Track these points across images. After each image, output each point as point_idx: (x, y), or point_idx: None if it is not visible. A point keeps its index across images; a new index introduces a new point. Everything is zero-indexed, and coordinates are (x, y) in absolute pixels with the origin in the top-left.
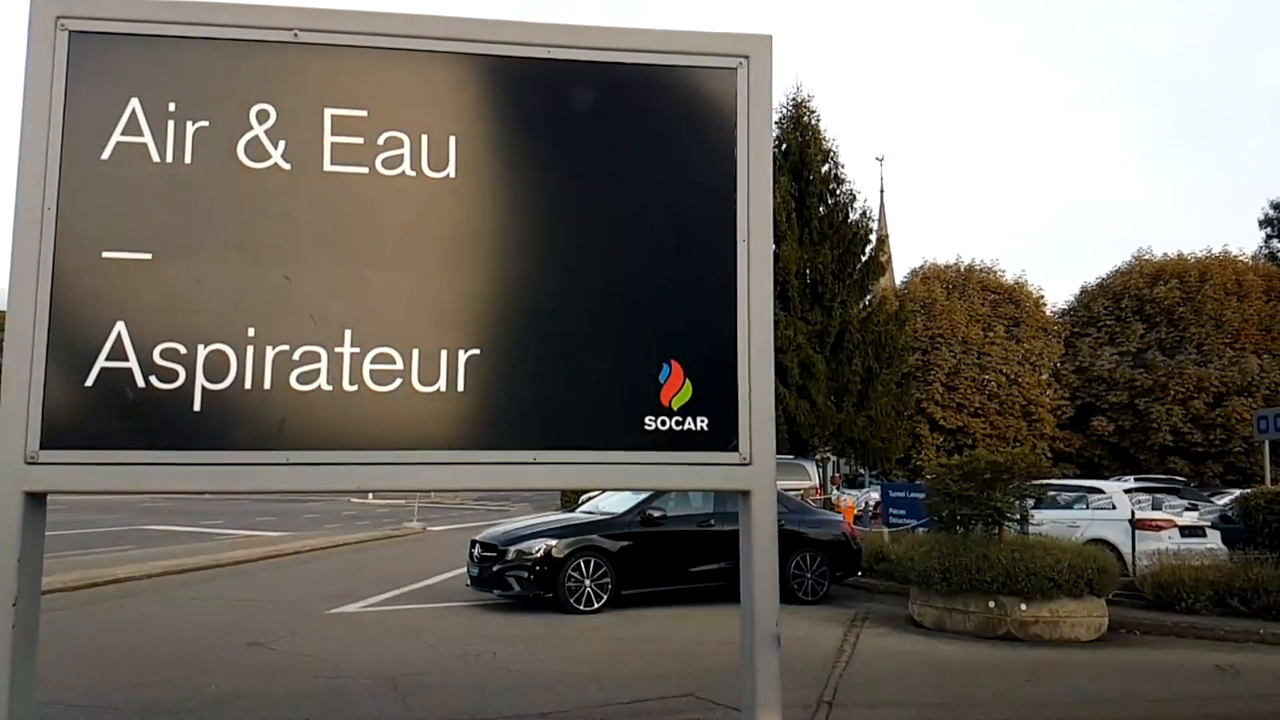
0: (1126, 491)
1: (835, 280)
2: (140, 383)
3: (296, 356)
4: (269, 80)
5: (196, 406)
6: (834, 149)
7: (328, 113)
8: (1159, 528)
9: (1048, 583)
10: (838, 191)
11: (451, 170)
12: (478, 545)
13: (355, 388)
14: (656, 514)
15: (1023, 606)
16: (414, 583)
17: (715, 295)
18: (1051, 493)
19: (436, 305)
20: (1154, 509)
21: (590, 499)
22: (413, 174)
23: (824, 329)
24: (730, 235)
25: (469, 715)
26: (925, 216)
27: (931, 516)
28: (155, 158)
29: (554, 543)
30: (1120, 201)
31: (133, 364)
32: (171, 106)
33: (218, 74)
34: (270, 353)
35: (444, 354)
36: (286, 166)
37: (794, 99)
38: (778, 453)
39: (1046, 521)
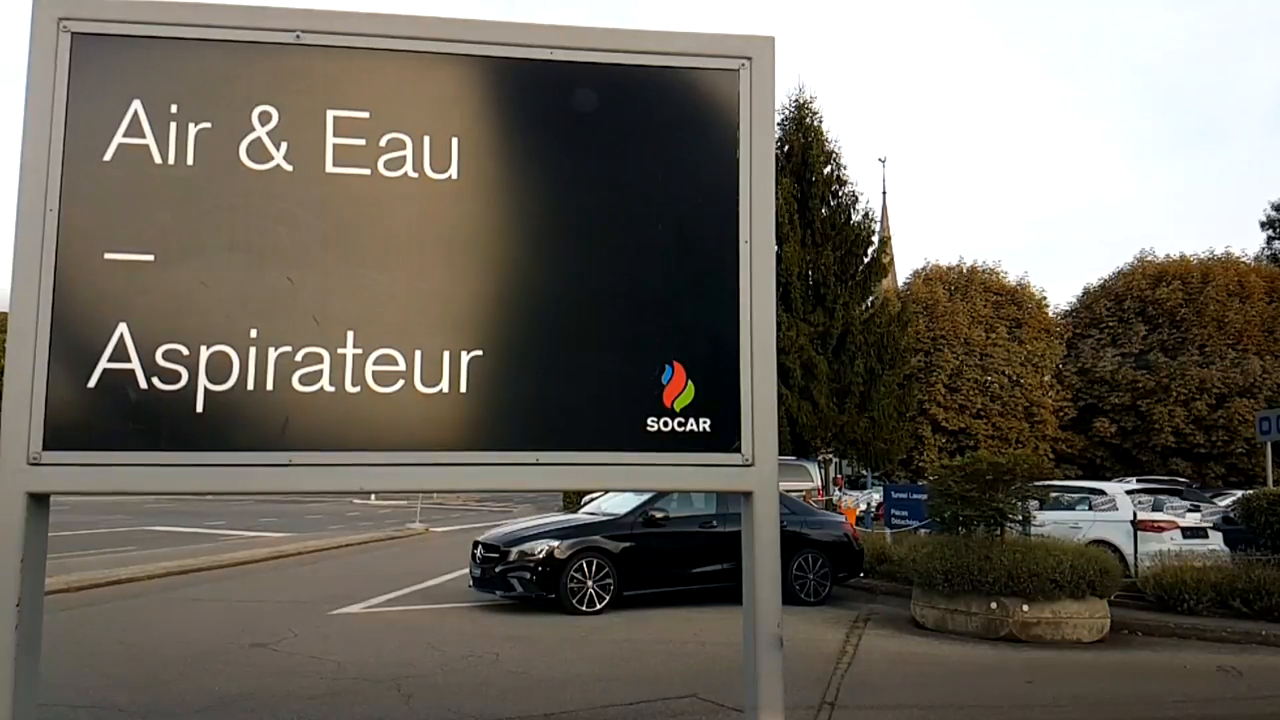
0: (1129, 493)
1: (837, 281)
2: (143, 384)
3: (299, 358)
4: (271, 82)
5: (199, 407)
6: (836, 150)
7: (330, 114)
8: (1161, 529)
9: (1050, 584)
10: (840, 193)
11: (454, 172)
12: (480, 546)
13: (358, 389)
14: (659, 515)
15: (1025, 608)
16: (416, 584)
17: (717, 296)
18: (1054, 494)
19: (439, 306)
20: (1156, 510)
21: (593, 500)
22: (415, 175)
23: (826, 330)
24: (732, 236)
25: (472, 716)
26: (928, 218)
27: (933, 518)
28: (157, 159)
29: (556, 544)
30: (1122, 203)
31: (135, 365)
32: (174, 108)
33: (220, 75)
34: (273, 354)
35: (446, 355)
36: (289, 168)
37: (796, 100)
38: (780, 454)
39: (1049, 523)
